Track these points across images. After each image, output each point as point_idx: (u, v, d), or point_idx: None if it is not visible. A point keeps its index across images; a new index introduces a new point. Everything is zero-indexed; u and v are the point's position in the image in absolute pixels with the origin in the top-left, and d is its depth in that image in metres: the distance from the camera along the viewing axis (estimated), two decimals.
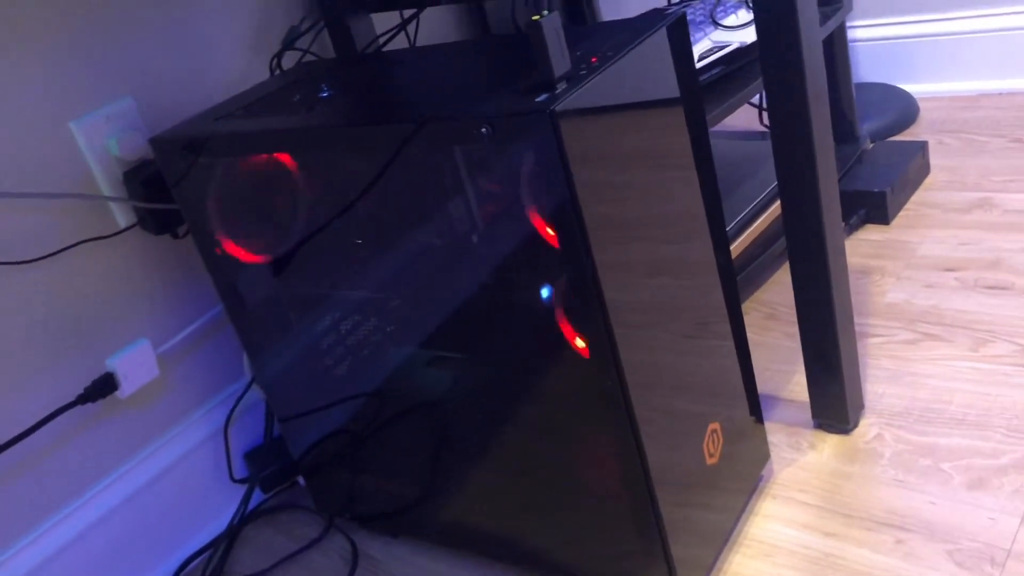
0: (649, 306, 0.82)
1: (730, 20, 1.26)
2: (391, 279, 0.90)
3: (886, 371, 1.16)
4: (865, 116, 1.70)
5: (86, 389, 1.07)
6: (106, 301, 1.09)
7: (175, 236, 1.14)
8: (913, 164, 1.50)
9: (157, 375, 1.13)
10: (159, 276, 1.14)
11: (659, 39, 0.81)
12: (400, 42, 1.37)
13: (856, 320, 1.24)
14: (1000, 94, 1.75)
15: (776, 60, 0.88)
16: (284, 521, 1.21)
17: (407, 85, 0.90)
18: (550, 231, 0.75)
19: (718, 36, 1.24)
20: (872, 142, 1.58)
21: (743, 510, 1.01)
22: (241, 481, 1.24)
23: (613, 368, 0.78)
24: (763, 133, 1.61)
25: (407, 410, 0.99)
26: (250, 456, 1.24)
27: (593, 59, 0.76)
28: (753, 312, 1.34)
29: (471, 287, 0.84)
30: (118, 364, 1.08)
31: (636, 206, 0.80)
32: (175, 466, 1.17)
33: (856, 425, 1.08)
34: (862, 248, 1.41)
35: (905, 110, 1.74)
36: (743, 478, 1.00)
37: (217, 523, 1.22)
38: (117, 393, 1.09)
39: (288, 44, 1.26)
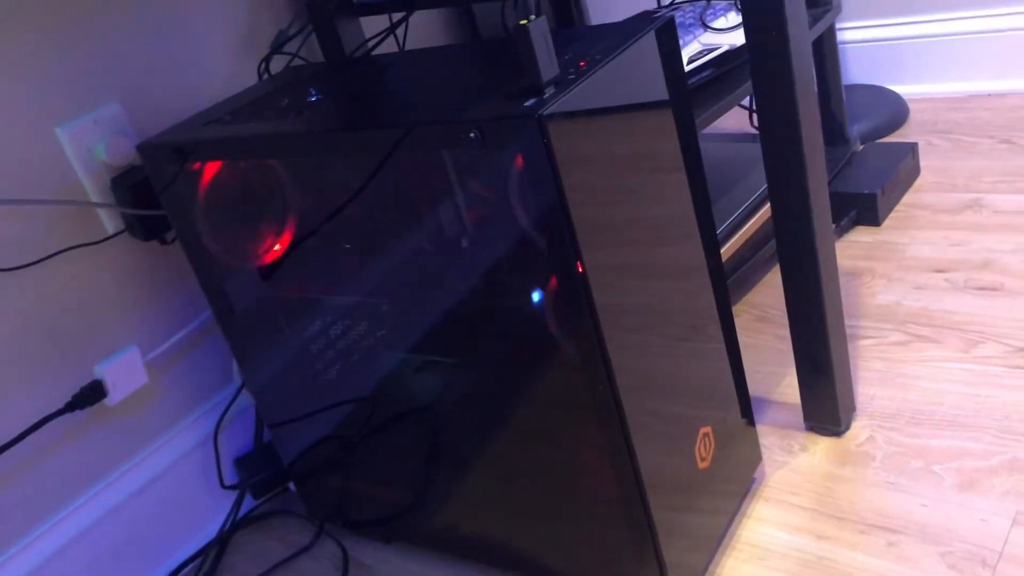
0: (639, 309, 0.82)
1: (719, 23, 1.26)
2: (381, 284, 0.89)
3: (877, 373, 1.16)
4: (855, 118, 1.70)
5: (74, 396, 1.06)
6: (94, 308, 1.09)
7: (163, 242, 1.13)
8: (903, 165, 1.50)
9: (146, 382, 1.13)
10: (147, 282, 1.14)
11: (648, 42, 0.81)
12: (389, 46, 1.36)
13: (847, 322, 1.24)
14: (989, 95, 1.75)
15: (765, 62, 0.88)
16: (275, 527, 1.20)
17: (396, 89, 0.90)
18: (540, 235, 0.75)
19: (707, 39, 1.24)
20: (862, 144, 1.58)
21: (735, 513, 1.01)
22: (231, 487, 1.23)
23: (604, 372, 0.78)
24: (753, 135, 1.61)
25: (398, 415, 0.98)
26: (240, 462, 1.24)
27: (581, 63, 0.76)
28: (744, 315, 1.34)
29: (461, 291, 0.84)
30: (106, 371, 1.08)
31: (626, 209, 0.80)
32: (165, 473, 1.16)
33: (848, 427, 1.08)
34: (852, 250, 1.41)
35: (895, 112, 1.75)
36: (735, 481, 1.00)
37: (208, 530, 1.21)
38: (105, 400, 1.08)
39: (276, 48, 1.26)
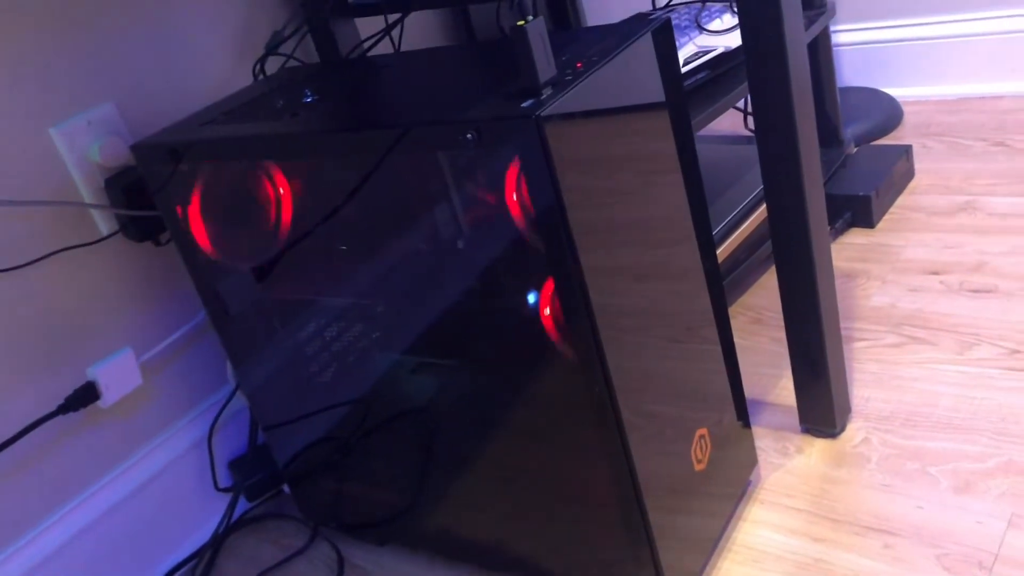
0: (636, 311, 0.82)
1: (715, 25, 1.26)
2: (376, 285, 0.89)
3: (872, 375, 1.16)
4: (849, 120, 1.70)
5: (67, 399, 1.05)
6: (87, 309, 1.08)
7: (157, 243, 1.13)
8: (897, 168, 1.50)
9: (140, 384, 1.12)
10: (141, 284, 1.13)
11: (644, 44, 0.81)
12: (385, 47, 1.36)
13: (842, 324, 1.24)
14: (983, 98, 1.76)
15: (761, 64, 0.88)
16: (269, 530, 1.20)
17: (392, 90, 0.90)
18: (536, 236, 0.75)
19: (703, 41, 1.24)
20: (857, 146, 1.58)
21: (731, 516, 1.01)
22: (226, 490, 1.23)
23: (600, 374, 0.78)
24: (748, 137, 1.61)
25: (393, 417, 0.98)
26: (234, 465, 1.23)
27: (578, 64, 0.76)
28: (740, 316, 1.34)
29: (457, 293, 0.84)
30: (100, 373, 1.07)
31: (622, 211, 0.79)
32: (159, 476, 1.16)
33: (843, 429, 1.08)
34: (847, 252, 1.41)
35: (889, 114, 1.75)
36: (731, 483, 1.00)
37: (201, 532, 1.21)
38: (99, 402, 1.08)
39: (272, 49, 1.25)
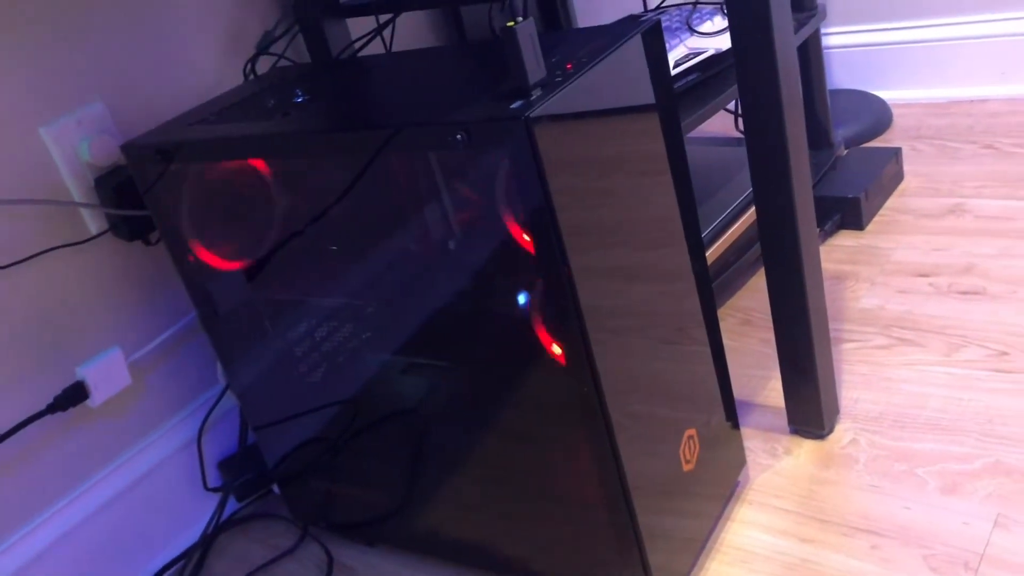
0: (625, 312, 0.82)
1: (706, 27, 1.26)
2: (367, 286, 0.89)
3: (861, 376, 1.16)
4: (839, 122, 1.71)
5: (56, 398, 1.05)
6: (77, 309, 1.08)
7: (147, 243, 1.12)
8: (887, 170, 1.51)
9: (129, 383, 1.12)
10: (131, 283, 1.13)
11: (634, 45, 0.81)
12: (376, 47, 1.36)
13: (831, 326, 1.25)
14: (972, 101, 1.77)
15: (751, 66, 0.89)
16: (259, 530, 1.20)
17: (382, 91, 0.90)
18: (526, 237, 0.75)
19: (694, 42, 1.24)
20: (846, 148, 1.59)
21: (719, 516, 1.01)
22: (215, 490, 1.23)
23: (589, 374, 0.78)
24: (738, 139, 1.62)
25: (383, 417, 0.98)
26: (224, 465, 1.23)
27: (568, 65, 0.76)
28: (728, 318, 1.34)
29: (447, 294, 0.84)
30: (88, 373, 1.07)
31: (612, 212, 0.80)
32: (148, 475, 1.16)
33: (831, 430, 1.09)
34: (836, 254, 1.42)
35: (879, 116, 1.76)
36: (719, 484, 1.00)
37: (191, 532, 1.21)
38: (88, 402, 1.08)
39: (262, 49, 1.25)
